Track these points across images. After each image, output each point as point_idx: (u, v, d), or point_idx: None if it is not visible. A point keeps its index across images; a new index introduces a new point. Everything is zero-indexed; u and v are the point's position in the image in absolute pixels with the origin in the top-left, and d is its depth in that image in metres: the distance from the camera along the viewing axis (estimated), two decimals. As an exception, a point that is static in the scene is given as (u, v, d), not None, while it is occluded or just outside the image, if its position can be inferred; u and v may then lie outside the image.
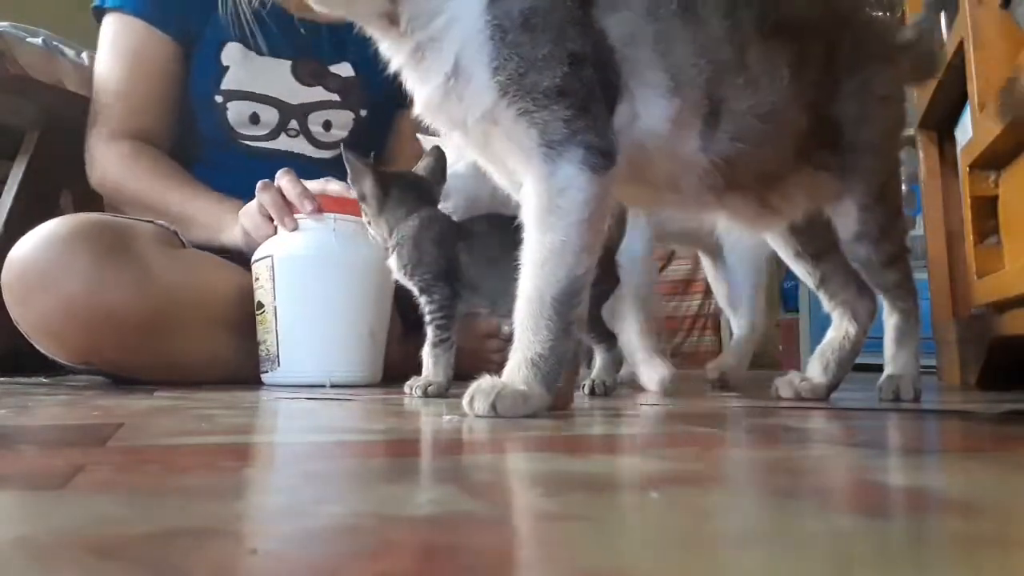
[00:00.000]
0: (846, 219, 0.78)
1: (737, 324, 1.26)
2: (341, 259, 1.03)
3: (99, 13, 1.29)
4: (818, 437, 0.52)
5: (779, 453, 0.43)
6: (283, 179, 1.07)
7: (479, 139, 0.65)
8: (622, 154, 0.62)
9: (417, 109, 0.67)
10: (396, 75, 0.68)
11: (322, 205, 1.05)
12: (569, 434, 0.52)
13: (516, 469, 0.38)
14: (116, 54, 1.27)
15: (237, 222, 1.14)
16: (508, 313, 0.64)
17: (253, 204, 1.10)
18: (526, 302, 0.60)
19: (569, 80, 0.60)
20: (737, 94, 0.67)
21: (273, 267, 1.03)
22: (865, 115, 0.76)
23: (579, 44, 0.61)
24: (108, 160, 1.25)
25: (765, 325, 1.28)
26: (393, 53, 0.67)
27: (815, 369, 0.86)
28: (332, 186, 1.07)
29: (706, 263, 1.36)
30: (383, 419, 0.60)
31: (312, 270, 1.03)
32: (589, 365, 0.98)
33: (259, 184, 1.08)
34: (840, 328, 0.87)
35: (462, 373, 0.85)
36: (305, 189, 1.05)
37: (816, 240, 0.85)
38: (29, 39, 1.34)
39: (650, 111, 0.65)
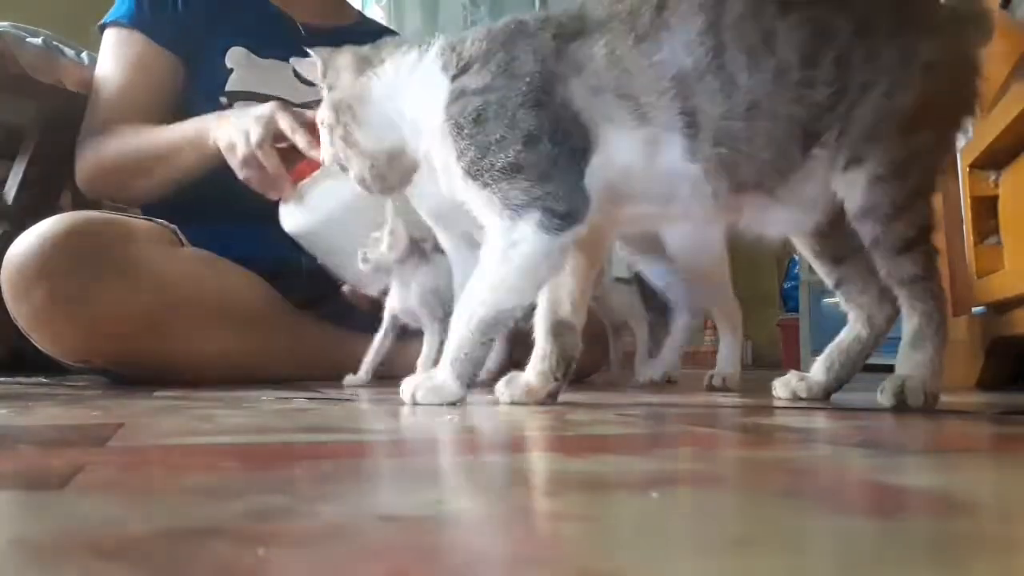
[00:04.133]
0: (853, 191, 0.72)
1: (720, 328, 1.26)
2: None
3: (102, 28, 1.31)
4: (818, 437, 0.52)
5: (779, 453, 0.43)
6: (290, 130, 1.06)
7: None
8: (595, 202, 0.71)
9: None
10: None
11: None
12: (569, 434, 0.52)
13: (516, 469, 0.38)
14: (114, 65, 1.29)
15: (224, 123, 1.13)
16: None
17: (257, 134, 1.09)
18: (458, 316, 0.72)
19: (524, 157, 0.71)
20: (712, 99, 0.69)
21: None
22: (901, 82, 0.70)
23: (533, 124, 0.71)
24: (91, 149, 1.25)
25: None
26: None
27: (818, 369, 0.84)
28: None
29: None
30: (383, 419, 0.60)
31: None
32: None
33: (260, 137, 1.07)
34: (853, 330, 0.83)
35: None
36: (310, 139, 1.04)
37: (838, 245, 0.82)
38: (29, 39, 1.34)
39: (623, 146, 0.71)
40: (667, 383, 1.20)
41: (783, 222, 0.79)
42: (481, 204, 0.74)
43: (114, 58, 1.29)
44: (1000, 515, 0.27)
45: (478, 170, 0.72)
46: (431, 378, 0.72)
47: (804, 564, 0.21)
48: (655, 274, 1.26)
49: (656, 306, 1.35)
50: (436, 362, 0.86)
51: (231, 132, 1.12)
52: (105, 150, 1.24)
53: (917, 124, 0.71)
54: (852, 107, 0.71)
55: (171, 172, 1.19)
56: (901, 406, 0.70)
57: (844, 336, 0.84)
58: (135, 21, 1.28)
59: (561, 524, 0.25)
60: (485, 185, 0.73)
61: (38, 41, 1.36)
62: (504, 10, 2.97)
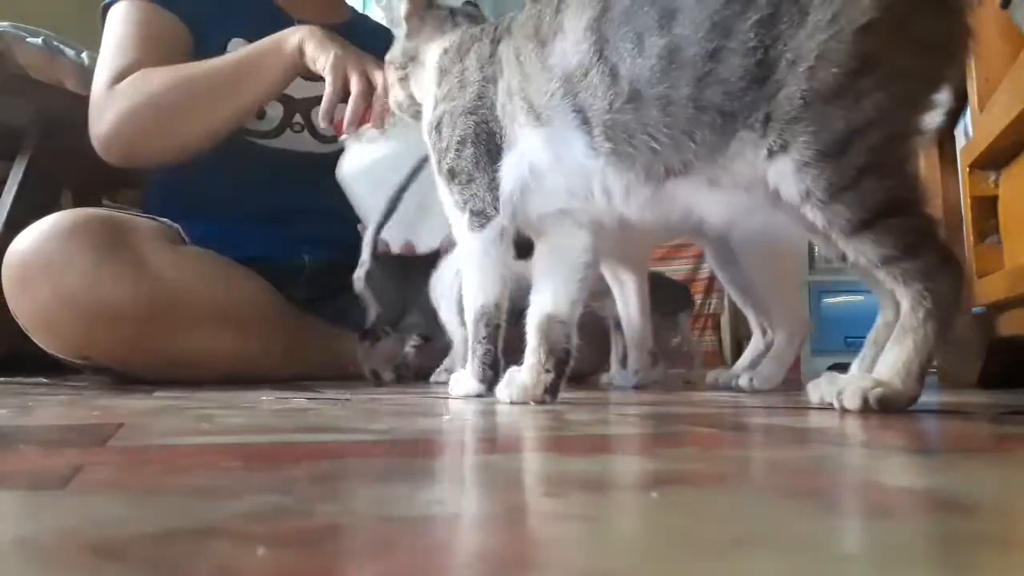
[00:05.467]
0: (783, 180, 0.64)
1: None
2: None
3: (106, 8, 1.28)
4: (818, 437, 0.52)
5: (779, 453, 0.43)
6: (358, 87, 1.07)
7: None
8: (507, 205, 0.79)
9: None
10: None
11: None
12: (569, 434, 0.52)
13: (516, 469, 0.38)
14: (125, 28, 1.24)
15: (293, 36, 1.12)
16: None
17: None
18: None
19: (456, 161, 0.80)
20: (595, 94, 0.70)
21: None
22: (823, 54, 0.61)
23: (465, 129, 0.79)
24: (117, 90, 1.18)
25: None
26: None
27: (855, 369, 0.73)
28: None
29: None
30: (383, 419, 0.60)
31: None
32: None
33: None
34: (882, 316, 0.75)
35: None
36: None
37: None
38: (29, 39, 1.35)
39: (529, 146, 0.76)
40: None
41: (726, 206, 0.73)
42: (447, 206, 0.84)
43: (125, 24, 1.24)
44: (1000, 515, 0.27)
45: (439, 173, 0.83)
46: (462, 376, 0.84)
47: (804, 564, 0.21)
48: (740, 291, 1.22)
49: (662, 309, 1.35)
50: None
51: (316, 42, 1.10)
52: (138, 90, 1.17)
53: (854, 96, 0.61)
54: (779, 83, 0.62)
55: (241, 100, 1.14)
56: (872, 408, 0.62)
57: (875, 327, 0.75)
58: None
59: (561, 524, 0.25)
60: (444, 188, 0.82)
61: (38, 41, 1.36)
62: (505, 9, 2.97)
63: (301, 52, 1.13)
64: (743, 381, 1.08)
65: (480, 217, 0.79)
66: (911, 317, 0.63)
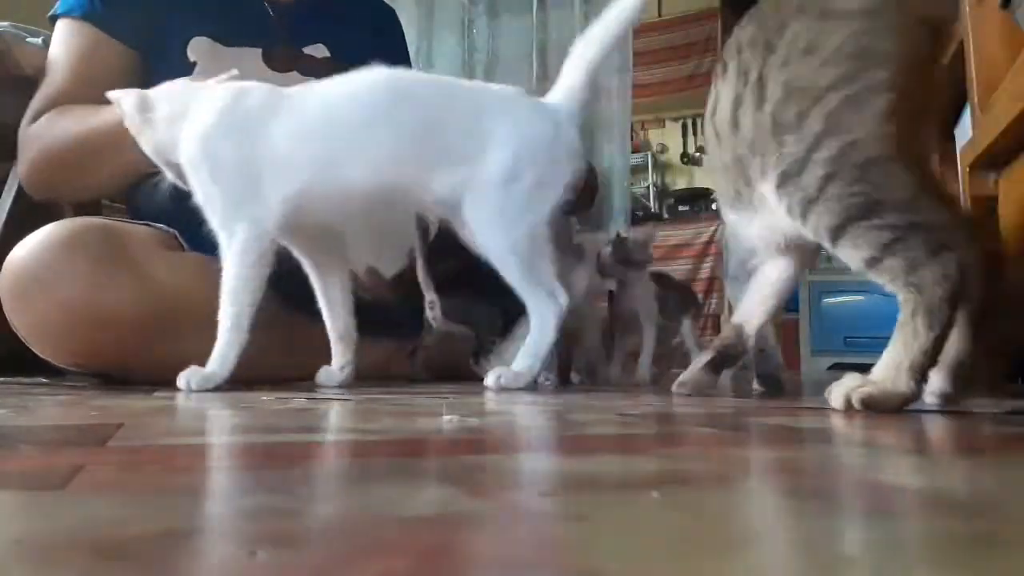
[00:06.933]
0: (775, 203, 0.71)
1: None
2: None
3: (53, 20, 1.26)
4: (818, 437, 0.52)
5: (779, 453, 0.43)
6: None
7: None
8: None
9: None
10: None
11: None
12: (569, 434, 0.52)
13: (516, 469, 0.38)
14: (63, 58, 1.23)
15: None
16: None
17: None
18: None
19: None
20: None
21: None
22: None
23: None
24: (31, 132, 1.18)
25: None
26: None
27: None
28: None
29: None
30: (383, 419, 0.60)
31: None
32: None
33: None
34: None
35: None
36: None
37: None
38: (29, 39, 1.35)
39: None
40: None
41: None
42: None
43: (63, 50, 1.23)
44: (1000, 515, 0.27)
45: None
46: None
47: (804, 564, 0.21)
48: None
49: (670, 312, 1.36)
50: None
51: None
52: (42, 139, 1.17)
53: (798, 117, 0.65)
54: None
55: (126, 160, 1.09)
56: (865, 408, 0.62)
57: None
58: (85, 12, 1.23)
59: (561, 524, 0.25)
60: None
61: (38, 41, 1.36)
62: (500, 7, 2.96)
63: None
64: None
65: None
66: (902, 314, 0.63)
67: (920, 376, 0.62)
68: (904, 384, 0.62)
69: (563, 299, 1.00)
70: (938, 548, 0.23)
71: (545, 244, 1.00)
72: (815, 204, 0.65)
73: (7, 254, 1.00)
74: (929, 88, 0.67)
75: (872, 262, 0.63)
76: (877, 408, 0.62)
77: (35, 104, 1.22)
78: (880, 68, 0.63)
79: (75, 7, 1.24)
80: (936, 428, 0.59)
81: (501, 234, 0.97)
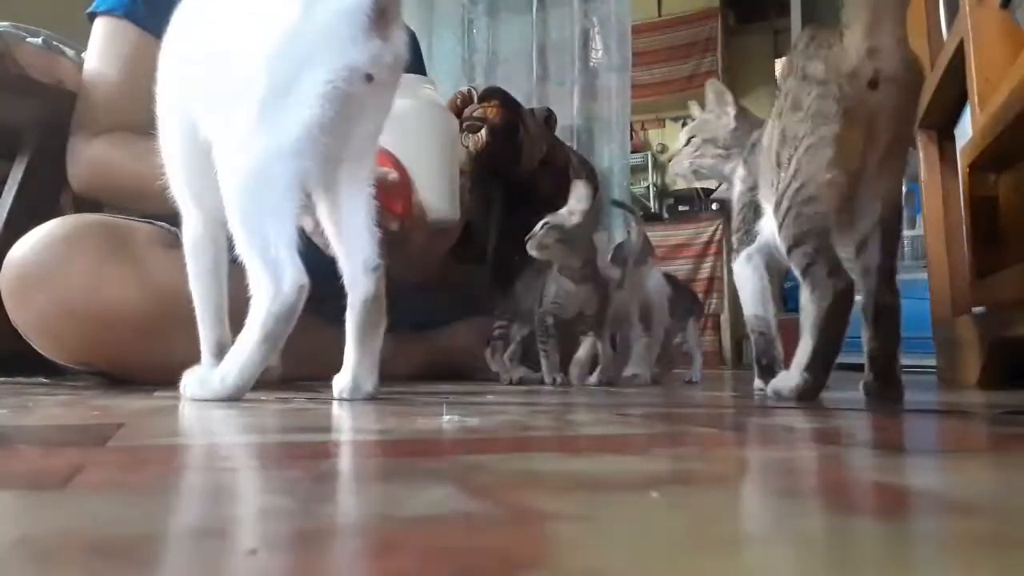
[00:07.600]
0: (772, 227, 0.92)
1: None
2: None
3: (92, 16, 1.27)
4: (818, 437, 0.52)
5: (779, 453, 0.43)
6: None
7: None
8: None
9: None
10: None
11: None
12: (569, 434, 0.52)
13: (516, 469, 0.38)
14: (107, 58, 1.24)
15: None
16: None
17: None
18: None
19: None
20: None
21: None
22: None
23: None
24: (96, 149, 1.21)
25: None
26: None
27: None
28: None
29: None
30: (383, 419, 0.60)
31: None
32: None
33: None
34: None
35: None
36: None
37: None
38: (29, 39, 1.34)
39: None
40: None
41: None
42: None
43: (108, 51, 1.24)
44: (1000, 515, 0.27)
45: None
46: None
47: (804, 564, 0.21)
48: None
49: (678, 313, 1.36)
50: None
51: None
52: (117, 161, 1.19)
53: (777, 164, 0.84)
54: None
55: None
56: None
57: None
58: (127, 11, 1.24)
59: (561, 524, 0.25)
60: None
61: (38, 41, 1.35)
62: (500, 6, 2.96)
63: None
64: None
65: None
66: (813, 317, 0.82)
67: (825, 369, 0.81)
68: (815, 376, 0.80)
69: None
70: (938, 548, 0.23)
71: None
72: (781, 228, 0.84)
73: (8, 252, 1.00)
74: (873, 138, 0.80)
75: (803, 275, 0.83)
76: (792, 399, 0.80)
77: (90, 112, 1.23)
78: (826, 126, 0.79)
79: (116, 6, 1.24)
80: (936, 428, 0.59)
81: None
